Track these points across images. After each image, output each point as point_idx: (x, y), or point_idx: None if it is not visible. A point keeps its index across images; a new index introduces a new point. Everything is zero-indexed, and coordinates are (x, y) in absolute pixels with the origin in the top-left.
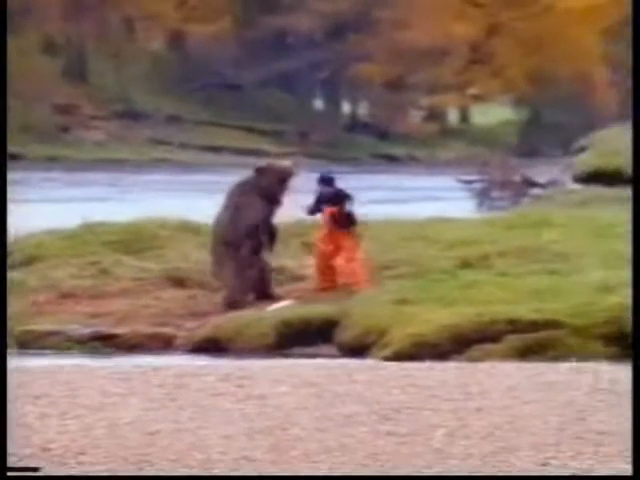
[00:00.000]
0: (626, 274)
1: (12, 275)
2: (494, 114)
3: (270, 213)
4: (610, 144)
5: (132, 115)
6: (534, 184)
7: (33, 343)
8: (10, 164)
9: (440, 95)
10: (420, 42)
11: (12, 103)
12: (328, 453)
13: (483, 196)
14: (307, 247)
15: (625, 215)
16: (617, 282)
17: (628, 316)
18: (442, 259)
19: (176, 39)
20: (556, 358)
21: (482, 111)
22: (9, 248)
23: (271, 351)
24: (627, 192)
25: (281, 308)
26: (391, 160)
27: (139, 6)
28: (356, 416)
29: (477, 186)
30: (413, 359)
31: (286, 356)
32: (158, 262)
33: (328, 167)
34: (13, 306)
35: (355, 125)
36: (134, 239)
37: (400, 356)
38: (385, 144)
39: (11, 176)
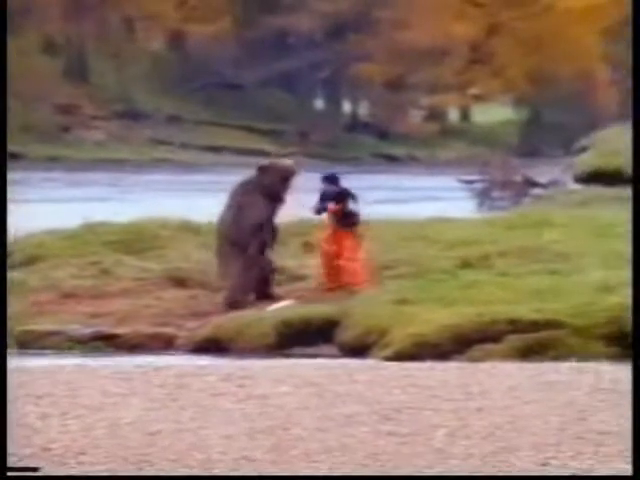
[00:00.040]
0: (627, 274)
1: (13, 275)
2: (495, 114)
3: (273, 212)
4: (611, 144)
5: (133, 115)
6: (535, 184)
7: (34, 343)
8: (11, 164)
9: (440, 95)
10: (420, 42)
11: (13, 103)
12: (329, 453)
13: (484, 196)
14: (308, 247)
15: (626, 215)
16: (618, 282)
17: (629, 316)
18: (443, 259)
19: (176, 39)
20: (557, 358)
21: (482, 111)
22: (10, 248)
23: (272, 351)
24: (628, 192)
25: (282, 308)
26: (391, 160)
27: (139, 6)
28: (357, 416)
29: (478, 186)
30: (414, 359)
31: (287, 356)
32: (159, 262)
33: (328, 167)
34: (14, 306)
35: (355, 125)
36: (135, 239)
37: (401, 356)
38: (385, 144)
39: (12, 176)
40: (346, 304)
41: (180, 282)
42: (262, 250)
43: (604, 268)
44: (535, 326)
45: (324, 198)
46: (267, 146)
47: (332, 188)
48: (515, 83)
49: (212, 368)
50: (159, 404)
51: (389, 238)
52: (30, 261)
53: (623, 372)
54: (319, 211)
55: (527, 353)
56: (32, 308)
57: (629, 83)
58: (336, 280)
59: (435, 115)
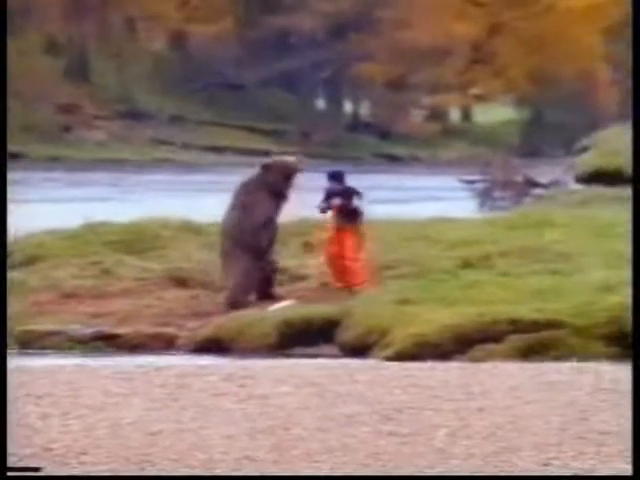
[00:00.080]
0: (628, 274)
1: (14, 275)
2: (496, 114)
3: (277, 209)
4: (612, 144)
5: (134, 115)
6: (536, 184)
7: (35, 343)
8: (12, 164)
9: (442, 95)
10: (422, 42)
11: (14, 103)
12: (330, 453)
13: (485, 196)
14: (309, 247)
15: (627, 215)
16: (619, 282)
17: (629, 316)
18: (444, 259)
19: (178, 39)
20: (558, 358)
21: (484, 111)
22: (11, 248)
23: (273, 351)
24: (629, 192)
25: (283, 308)
26: (393, 160)
27: (141, 6)
28: (358, 416)
29: (479, 186)
30: (415, 359)
31: (288, 356)
32: (160, 262)
33: (330, 167)
34: (15, 306)
35: (357, 125)
36: (136, 239)
37: (402, 356)
38: (387, 144)
39: (13, 176)
40: (347, 304)
41: (181, 282)
42: (266, 249)
43: (605, 268)
44: (536, 326)
45: (329, 196)
46: (269, 146)
47: (338, 186)
48: (516, 83)
49: (213, 368)
50: (160, 404)
51: (390, 238)
52: (31, 261)
53: (624, 372)
54: (324, 210)
55: (528, 353)
56: (33, 308)
57: (630, 83)
58: (343, 280)
59: (436, 115)
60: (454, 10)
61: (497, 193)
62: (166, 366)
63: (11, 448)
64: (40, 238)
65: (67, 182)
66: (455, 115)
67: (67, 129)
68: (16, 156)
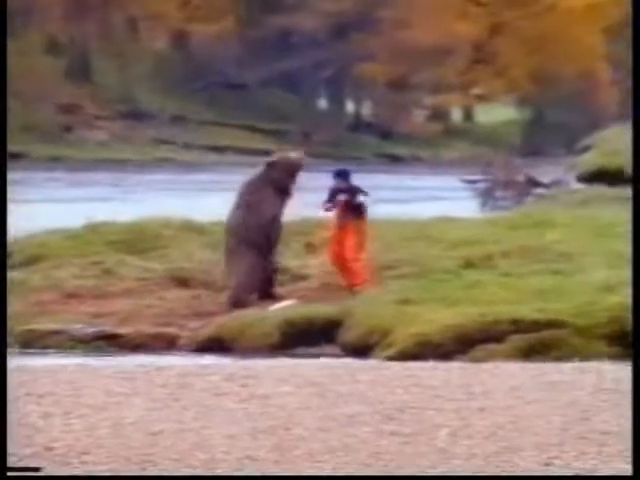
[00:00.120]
0: (629, 274)
1: (15, 275)
2: (497, 114)
3: (283, 206)
4: (613, 143)
5: (135, 115)
6: (538, 184)
7: (36, 342)
8: (13, 164)
9: (443, 95)
10: (423, 41)
11: (15, 103)
12: (331, 453)
13: (487, 196)
14: (310, 247)
15: (628, 214)
16: (620, 282)
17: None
18: (445, 259)
19: (179, 39)
20: (559, 358)
21: (485, 111)
22: (12, 248)
23: (274, 351)
24: (630, 191)
25: (284, 308)
26: (394, 160)
27: (142, 6)
28: (359, 416)
29: (481, 186)
30: (416, 359)
31: (289, 356)
32: (162, 262)
33: (331, 167)
34: (17, 306)
35: (358, 125)
36: (137, 239)
37: (403, 356)
38: (388, 144)
39: (14, 176)
40: (349, 304)
41: (183, 282)
42: (273, 246)
43: (606, 268)
44: (538, 326)
45: (334, 194)
46: (270, 146)
47: (343, 184)
48: (518, 83)
49: (215, 368)
50: (162, 404)
51: (392, 238)
52: (32, 261)
53: (625, 372)
54: (329, 209)
55: (530, 353)
56: (35, 308)
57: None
58: (344, 279)
59: (438, 115)
60: (455, 10)
61: (499, 193)
62: (167, 366)
63: (12, 448)
64: (42, 238)
65: (68, 182)
66: (457, 115)
67: (68, 129)
68: (17, 156)
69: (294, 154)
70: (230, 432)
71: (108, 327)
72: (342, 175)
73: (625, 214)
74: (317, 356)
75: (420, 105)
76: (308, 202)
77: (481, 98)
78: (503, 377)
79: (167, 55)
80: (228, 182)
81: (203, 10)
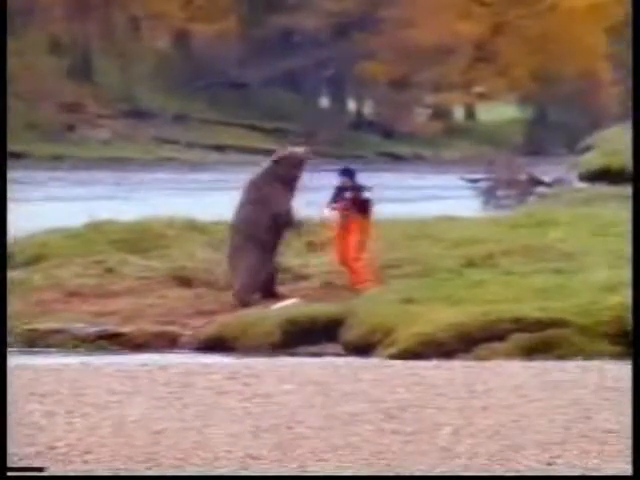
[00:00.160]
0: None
1: (18, 274)
2: (499, 113)
3: (291, 199)
4: (615, 143)
5: (138, 114)
6: (540, 183)
7: (39, 341)
8: (16, 163)
9: (445, 93)
10: (425, 40)
11: (18, 102)
12: (333, 451)
13: (489, 195)
14: (312, 246)
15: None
16: (623, 281)
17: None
18: (448, 258)
19: (181, 38)
20: (562, 357)
21: (487, 110)
22: (14, 247)
23: (277, 349)
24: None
25: (286, 306)
26: (396, 158)
27: (144, 5)
28: (361, 414)
29: (483, 185)
30: (419, 358)
31: (292, 355)
32: (164, 261)
33: (333, 166)
34: (19, 305)
35: (360, 123)
36: (140, 238)
37: (406, 354)
38: (390, 142)
39: (17, 175)
40: (351, 303)
41: (185, 281)
42: (278, 243)
43: (609, 267)
44: (540, 325)
45: (340, 192)
46: (272, 145)
47: (349, 182)
48: (520, 82)
49: (217, 367)
50: (164, 402)
51: (394, 237)
52: (35, 260)
53: (628, 370)
54: (335, 209)
55: (532, 352)
56: (37, 307)
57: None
58: (360, 275)
59: (440, 114)
60: (458, 9)
61: (501, 192)
62: (170, 365)
63: (15, 447)
64: (44, 237)
65: (71, 181)
66: (459, 114)
67: (71, 128)
68: (20, 155)
69: (299, 148)
70: (232, 430)
71: (110, 326)
72: (347, 173)
73: (627, 213)
74: (319, 355)
75: (422, 104)
76: (310, 201)
77: (483, 97)
78: (505, 376)
79: (169, 54)
80: (230, 181)
81: (205, 9)
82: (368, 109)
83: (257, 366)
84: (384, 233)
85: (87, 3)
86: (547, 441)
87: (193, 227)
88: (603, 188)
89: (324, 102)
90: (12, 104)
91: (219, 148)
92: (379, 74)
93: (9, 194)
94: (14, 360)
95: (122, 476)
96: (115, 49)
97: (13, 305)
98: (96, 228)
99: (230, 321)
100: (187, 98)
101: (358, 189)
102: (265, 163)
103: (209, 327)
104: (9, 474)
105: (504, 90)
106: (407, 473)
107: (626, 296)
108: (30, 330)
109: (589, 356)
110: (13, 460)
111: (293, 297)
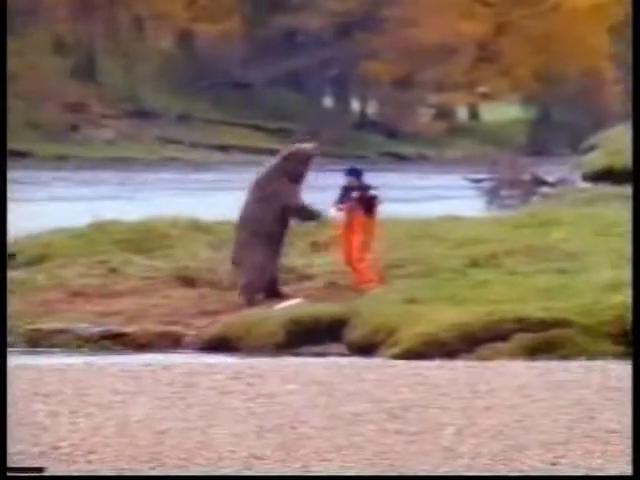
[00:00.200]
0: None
1: (21, 274)
2: (503, 112)
3: (299, 193)
4: (618, 142)
5: (142, 114)
6: (543, 183)
7: (43, 341)
8: (20, 162)
9: (449, 93)
10: (428, 40)
11: (21, 102)
12: (337, 451)
13: (492, 195)
14: (316, 246)
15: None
16: (626, 281)
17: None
18: (451, 258)
19: (185, 38)
20: (565, 357)
21: (491, 109)
22: (18, 247)
23: (280, 349)
24: None
25: (290, 306)
26: (400, 158)
27: (148, 5)
28: (365, 414)
29: (486, 185)
30: (422, 358)
31: (295, 355)
32: (168, 261)
33: (337, 165)
34: (22, 305)
35: (364, 123)
36: (144, 238)
37: (409, 354)
38: (394, 142)
39: (21, 175)
40: (354, 303)
41: (189, 281)
42: (284, 240)
43: (612, 267)
44: (543, 325)
45: (346, 192)
46: (276, 145)
47: (355, 182)
48: (523, 82)
49: (221, 367)
50: (168, 402)
51: (397, 237)
52: (39, 260)
53: (630, 370)
54: (341, 209)
55: (535, 352)
56: (40, 307)
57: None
58: (365, 274)
59: (443, 113)
60: (461, 9)
61: (504, 192)
62: (173, 365)
63: (19, 447)
64: (48, 237)
65: (75, 181)
66: (462, 114)
67: (75, 128)
68: (24, 155)
69: (307, 144)
70: (236, 431)
71: (114, 326)
72: (354, 173)
73: (629, 213)
74: (323, 355)
75: (425, 104)
76: (313, 201)
77: (486, 97)
78: (509, 376)
79: (173, 54)
80: (234, 181)
81: (209, 9)
82: (372, 109)
83: (261, 366)
84: (387, 233)
85: (91, 3)
86: (550, 441)
87: (197, 227)
88: (606, 188)
89: (328, 102)
90: (16, 104)
91: (223, 148)
92: (382, 74)
93: (12, 194)
94: (17, 360)
95: (126, 476)
96: (119, 49)
97: (16, 305)
98: (100, 228)
99: (234, 321)
100: (191, 98)
101: (365, 189)
102: (271, 161)
103: (213, 327)
104: (9, 474)
105: (507, 90)
106: (410, 473)
107: (629, 296)
108: (34, 330)
109: (592, 356)
110: (14, 460)
111: (297, 297)
